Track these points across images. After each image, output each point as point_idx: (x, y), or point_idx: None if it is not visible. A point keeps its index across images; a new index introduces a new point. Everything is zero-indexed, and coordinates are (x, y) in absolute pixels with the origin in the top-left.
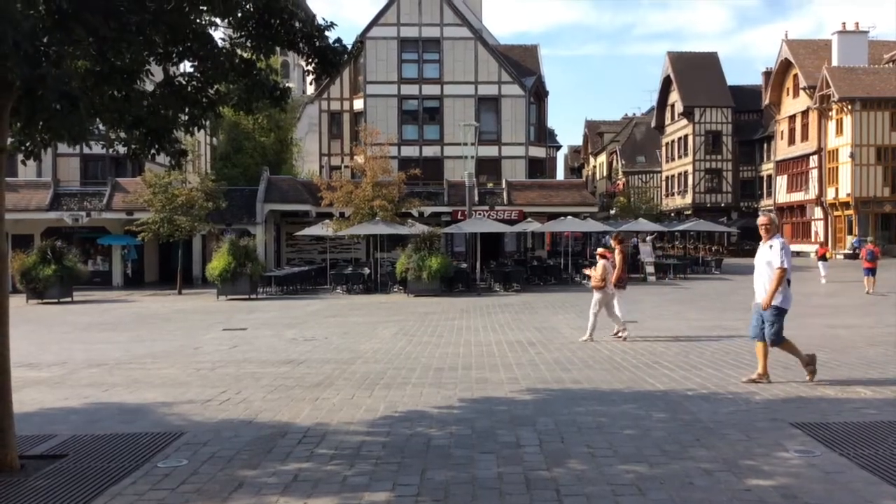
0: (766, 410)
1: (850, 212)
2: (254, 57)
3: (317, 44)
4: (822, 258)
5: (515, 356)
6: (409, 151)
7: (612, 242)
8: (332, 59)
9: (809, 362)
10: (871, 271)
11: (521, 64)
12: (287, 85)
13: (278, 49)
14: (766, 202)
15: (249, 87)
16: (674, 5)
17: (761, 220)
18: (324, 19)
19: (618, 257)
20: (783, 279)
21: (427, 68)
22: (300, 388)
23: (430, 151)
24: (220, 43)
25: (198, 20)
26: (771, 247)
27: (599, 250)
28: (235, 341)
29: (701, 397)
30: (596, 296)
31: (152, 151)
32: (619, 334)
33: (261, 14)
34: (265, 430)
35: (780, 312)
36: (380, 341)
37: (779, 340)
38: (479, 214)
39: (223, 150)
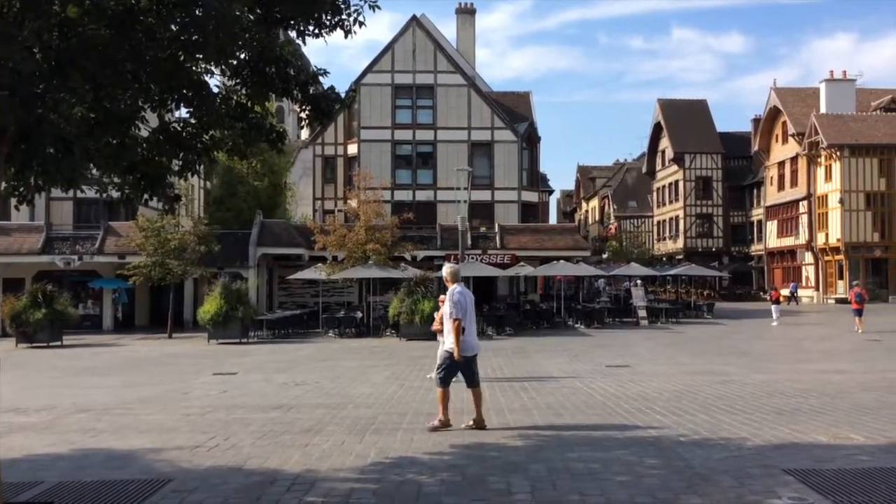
0: (759, 456)
1: (841, 257)
2: (248, 103)
3: (311, 91)
4: (776, 301)
5: (508, 401)
6: (403, 196)
7: None
8: (325, 107)
9: (445, 424)
10: (860, 312)
11: (513, 110)
12: (283, 127)
13: (273, 95)
14: (756, 247)
15: (245, 131)
16: (664, 54)
17: (443, 272)
18: (317, 67)
19: None
20: (459, 329)
21: (421, 114)
22: (290, 434)
23: (423, 196)
24: (215, 90)
25: (193, 68)
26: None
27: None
28: (225, 386)
29: (693, 443)
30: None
31: (146, 196)
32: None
33: (255, 62)
34: (254, 477)
35: (450, 357)
36: (371, 386)
37: (441, 384)
38: (472, 258)
39: (217, 194)
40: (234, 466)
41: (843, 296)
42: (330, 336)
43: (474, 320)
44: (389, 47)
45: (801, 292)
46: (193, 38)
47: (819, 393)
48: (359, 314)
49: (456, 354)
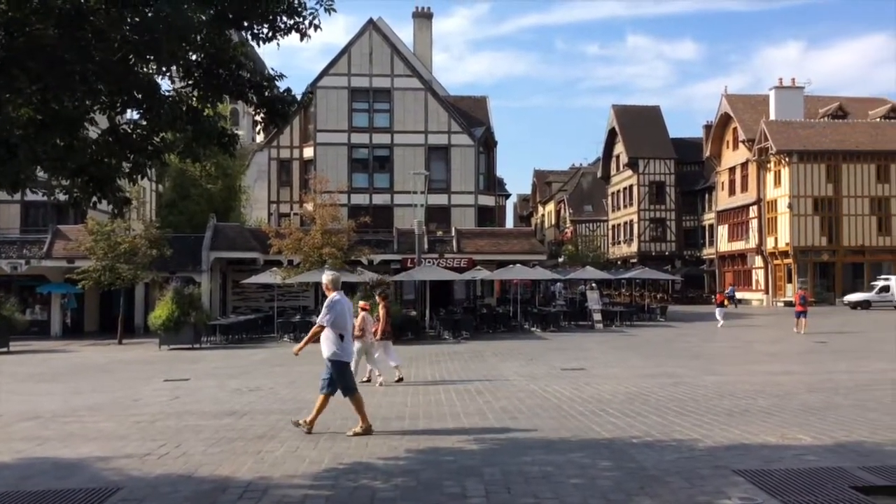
0: (710, 457)
1: (790, 260)
2: (200, 105)
3: (266, 94)
4: (720, 305)
5: (464, 405)
6: (359, 199)
7: (378, 298)
8: (280, 110)
9: (367, 431)
10: (803, 314)
11: (470, 114)
12: (236, 131)
13: (227, 97)
14: (707, 251)
15: (196, 135)
16: (619, 60)
17: (322, 279)
18: (272, 70)
19: (381, 311)
20: (317, 333)
21: (377, 118)
22: (242, 441)
23: (379, 199)
24: (166, 92)
25: (144, 69)
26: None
27: (361, 303)
28: (177, 392)
29: (646, 445)
30: (356, 345)
31: (95, 199)
32: (375, 380)
33: (208, 64)
34: (205, 484)
35: (339, 366)
36: None
37: (349, 393)
38: (429, 262)
39: (169, 197)
40: (184, 474)
41: (791, 299)
42: (285, 341)
43: (350, 328)
44: (346, 50)
45: (750, 295)
46: (145, 39)
47: (768, 394)
48: (314, 318)
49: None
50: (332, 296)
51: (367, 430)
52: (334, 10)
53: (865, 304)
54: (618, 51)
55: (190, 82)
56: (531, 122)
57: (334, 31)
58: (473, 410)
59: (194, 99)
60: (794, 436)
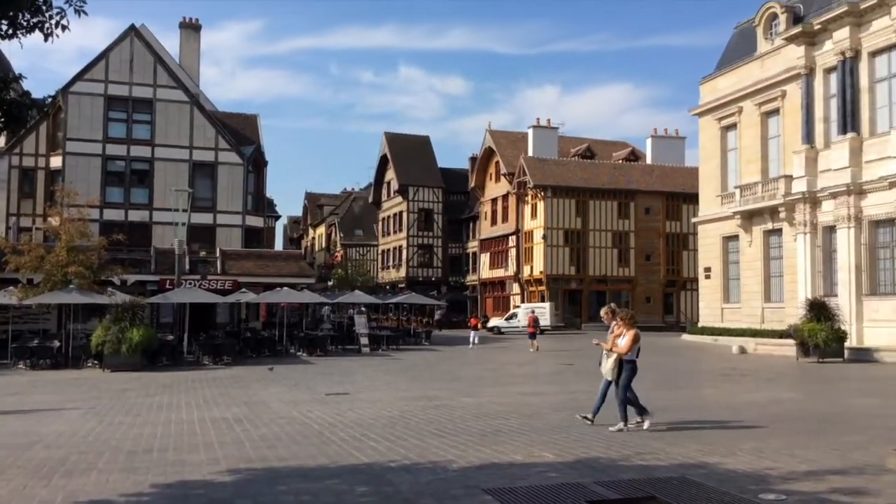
0: (462, 478)
1: (543, 287)
2: None
3: (2, 96)
4: (474, 328)
5: (219, 434)
6: (114, 215)
7: None
8: (16, 114)
9: None
10: (534, 335)
11: (240, 132)
12: None
13: None
14: (471, 277)
15: None
16: (392, 89)
17: None
18: (12, 72)
19: None
20: None
21: (137, 129)
22: None
23: (137, 216)
24: None
25: None
26: None
27: None
28: None
29: (403, 468)
30: None
31: None
32: None
33: None
34: None
35: None
36: (65, 423)
37: None
38: (190, 284)
39: None
40: None
41: (545, 324)
42: (20, 368)
43: None
44: (103, 55)
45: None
46: None
47: (519, 414)
48: (56, 343)
49: None
50: None
51: None
52: (85, 14)
53: (498, 330)
54: (391, 80)
55: None
56: (304, 143)
57: (93, 36)
58: (230, 440)
59: None
60: (539, 453)
